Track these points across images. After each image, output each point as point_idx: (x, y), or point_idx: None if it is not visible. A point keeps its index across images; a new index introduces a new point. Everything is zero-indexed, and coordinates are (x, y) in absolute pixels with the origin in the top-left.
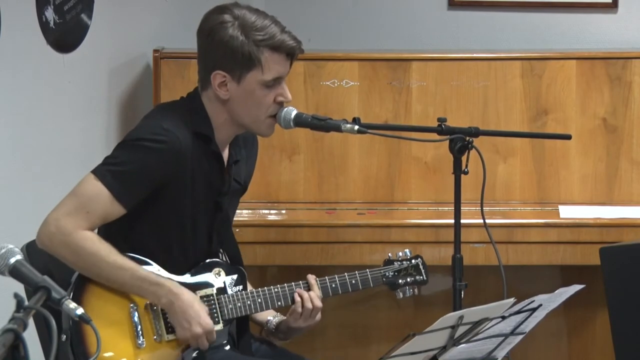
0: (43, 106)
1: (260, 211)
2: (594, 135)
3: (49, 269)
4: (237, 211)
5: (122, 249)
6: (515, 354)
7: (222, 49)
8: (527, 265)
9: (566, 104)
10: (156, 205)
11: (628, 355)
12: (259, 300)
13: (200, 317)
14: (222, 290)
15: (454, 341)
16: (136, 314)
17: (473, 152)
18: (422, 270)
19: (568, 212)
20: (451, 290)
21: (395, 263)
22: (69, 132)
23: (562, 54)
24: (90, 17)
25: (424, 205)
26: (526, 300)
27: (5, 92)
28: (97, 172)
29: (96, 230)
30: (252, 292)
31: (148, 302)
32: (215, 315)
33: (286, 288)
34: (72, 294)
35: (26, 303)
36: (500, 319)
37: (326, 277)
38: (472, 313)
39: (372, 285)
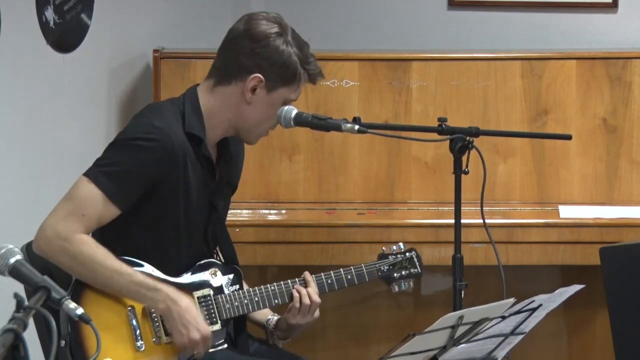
0: (43, 106)
1: (260, 211)
2: (594, 135)
3: (48, 269)
4: (237, 211)
5: (117, 251)
6: (515, 354)
7: (275, 57)
8: (527, 265)
9: (566, 104)
10: (150, 206)
11: (628, 355)
12: (256, 299)
13: (198, 323)
14: (219, 290)
15: (454, 341)
16: (134, 316)
17: (473, 152)
18: (417, 263)
19: (568, 212)
20: (451, 290)
21: (390, 257)
22: (69, 132)
23: (562, 54)
24: (90, 17)
25: (424, 205)
26: (526, 300)
27: (5, 92)
28: (90, 174)
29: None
30: (248, 291)
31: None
32: (213, 315)
33: (282, 286)
34: (70, 296)
35: (26, 303)
36: (500, 319)
37: (322, 274)
38: (472, 313)
39: (367, 279)
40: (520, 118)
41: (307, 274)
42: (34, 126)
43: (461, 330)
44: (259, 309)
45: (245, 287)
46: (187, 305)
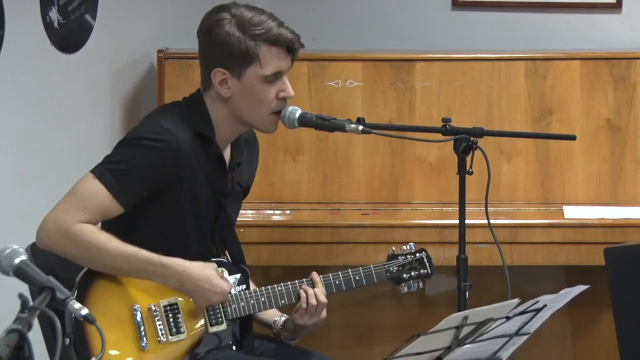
0: (47, 106)
1: (265, 211)
2: (598, 136)
3: (53, 269)
4: (241, 212)
5: None
6: (520, 355)
7: (220, 46)
8: (532, 265)
9: (570, 105)
10: (157, 206)
11: (633, 355)
12: (263, 299)
13: (215, 287)
14: None
15: (458, 341)
16: (139, 315)
17: (477, 152)
18: (427, 264)
19: (572, 213)
20: (455, 290)
21: (400, 257)
22: (73, 133)
23: (566, 55)
24: (94, 17)
25: (428, 205)
26: (531, 301)
27: (9, 93)
28: (96, 171)
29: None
30: (255, 291)
31: (151, 303)
32: (219, 314)
33: (289, 286)
34: (74, 296)
35: (31, 303)
36: (504, 320)
37: (330, 274)
38: (476, 313)
39: (376, 280)
40: (524, 118)
41: (314, 274)
42: (38, 126)
43: (466, 330)
44: (266, 309)
45: (253, 287)
46: (199, 275)
